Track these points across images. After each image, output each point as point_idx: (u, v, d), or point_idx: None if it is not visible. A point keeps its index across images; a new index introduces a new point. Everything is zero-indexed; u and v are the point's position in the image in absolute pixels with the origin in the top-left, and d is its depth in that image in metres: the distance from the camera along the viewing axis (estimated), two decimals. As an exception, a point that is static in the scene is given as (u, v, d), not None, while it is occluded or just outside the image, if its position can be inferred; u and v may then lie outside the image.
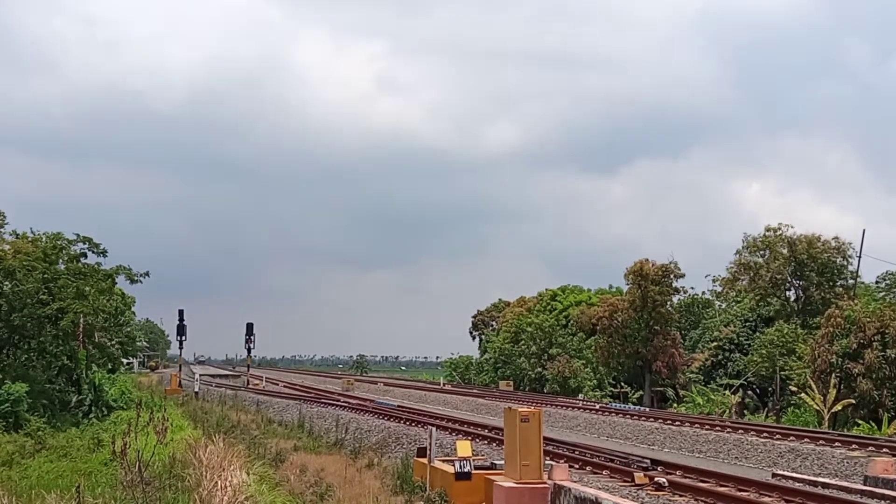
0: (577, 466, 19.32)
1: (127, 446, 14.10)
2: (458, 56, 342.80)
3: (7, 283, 36.22)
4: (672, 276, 60.02)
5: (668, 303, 60.98)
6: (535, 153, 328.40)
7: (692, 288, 70.98)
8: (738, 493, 15.97)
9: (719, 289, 65.60)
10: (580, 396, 57.03)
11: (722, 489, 16.35)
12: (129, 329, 65.72)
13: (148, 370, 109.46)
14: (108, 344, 45.95)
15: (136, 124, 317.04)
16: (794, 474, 19.55)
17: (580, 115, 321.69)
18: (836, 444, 24.90)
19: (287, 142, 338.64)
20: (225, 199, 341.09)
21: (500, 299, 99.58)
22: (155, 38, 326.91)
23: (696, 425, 31.92)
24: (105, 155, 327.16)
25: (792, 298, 56.97)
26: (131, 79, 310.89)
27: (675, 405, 55.86)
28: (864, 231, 51.87)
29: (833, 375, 38.34)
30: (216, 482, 14.30)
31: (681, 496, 15.78)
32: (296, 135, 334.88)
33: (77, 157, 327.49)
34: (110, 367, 47.41)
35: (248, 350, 71.46)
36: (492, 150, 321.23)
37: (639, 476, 17.18)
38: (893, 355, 37.24)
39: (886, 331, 37.86)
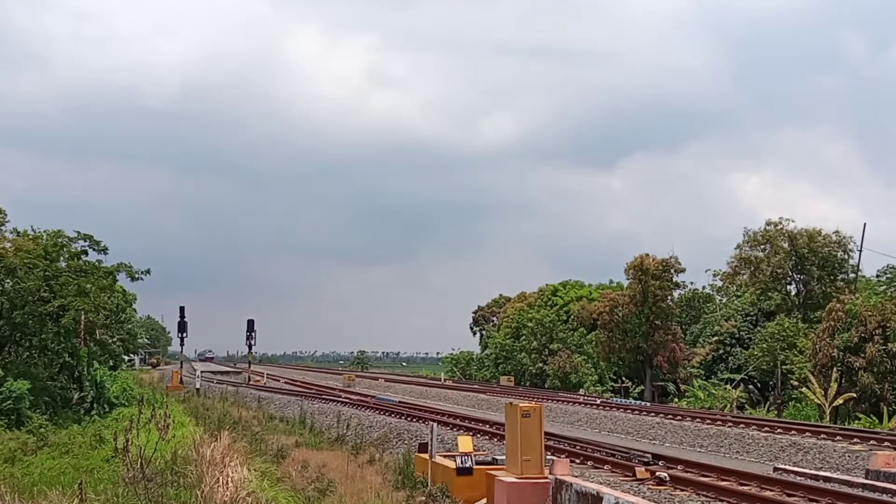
0: (578, 461, 19.33)
1: (129, 443, 14.15)
2: (452, 50, 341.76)
3: (8, 280, 36.27)
4: (672, 270, 60.10)
5: (669, 297, 61.07)
6: (533, 147, 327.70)
7: (692, 283, 71.21)
8: (740, 488, 15.97)
9: (720, 283, 65.69)
10: (581, 391, 57.07)
11: (723, 483, 16.35)
12: (130, 326, 65.77)
13: (149, 367, 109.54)
14: (110, 341, 45.96)
15: (130, 121, 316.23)
16: (796, 468, 19.56)
17: (578, 108, 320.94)
18: (838, 438, 24.92)
19: (283, 137, 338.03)
20: (223, 196, 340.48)
21: (500, 295, 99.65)
22: (145, 33, 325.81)
23: (698, 420, 31.96)
24: (102, 152, 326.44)
25: (793, 292, 56.97)
26: (123, 75, 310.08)
27: (676, 400, 55.92)
28: (864, 225, 51.96)
29: (834, 369, 38.37)
30: (218, 478, 14.33)
31: (682, 490, 15.78)
32: (291, 130, 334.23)
33: (74, 154, 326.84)
34: (112, 364, 47.48)
35: (250, 347, 71.68)
36: (489, 144, 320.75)
37: (640, 471, 17.18)
38: (894, 349, 37.26)
39: (888, 324, 37.88)
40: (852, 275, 53.94)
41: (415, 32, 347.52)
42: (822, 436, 25.46)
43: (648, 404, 45.15)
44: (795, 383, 42.88)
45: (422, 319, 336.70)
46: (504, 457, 17.11)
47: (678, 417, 33.13)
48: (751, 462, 22.93)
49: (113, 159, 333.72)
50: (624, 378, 62.65)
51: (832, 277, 54.40)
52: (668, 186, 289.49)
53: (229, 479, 14.33)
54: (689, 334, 66.99)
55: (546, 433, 16.93)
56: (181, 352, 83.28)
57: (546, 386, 64.35)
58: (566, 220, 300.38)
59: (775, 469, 19.71)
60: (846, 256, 54.43)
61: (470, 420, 30.46)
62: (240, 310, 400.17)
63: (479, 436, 24.62)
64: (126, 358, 67.78)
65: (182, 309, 65.42)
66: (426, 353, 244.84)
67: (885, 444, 23.29)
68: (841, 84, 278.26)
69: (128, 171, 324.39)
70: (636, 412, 36.64)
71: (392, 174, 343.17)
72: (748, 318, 57.91)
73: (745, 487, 16.08)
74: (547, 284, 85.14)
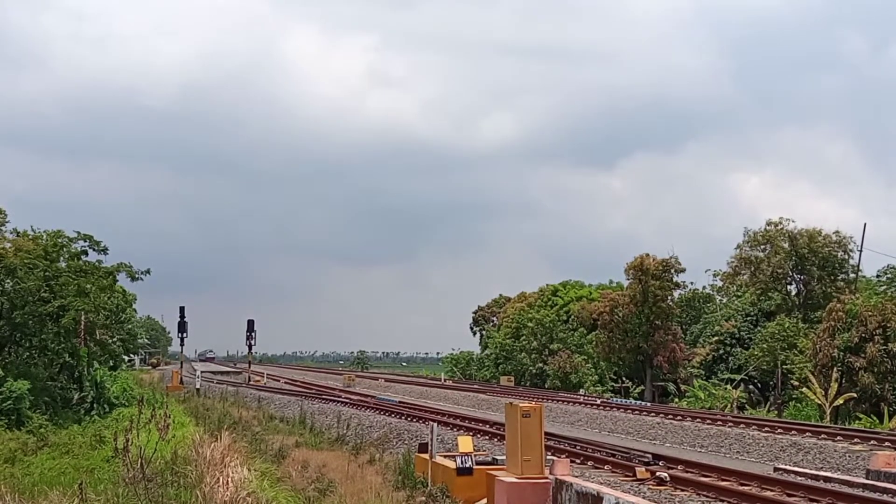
0: (578, 461, 19.32)
1: (129, 443, 14.14)
2: (452, 50, 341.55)
3: (8, 280, 36.28)
4: (672, 270, 60.10)
5: (669, 297, 61.05)
6: (533, 147, 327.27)
7: (692, 283, 71.23)
8: (740, 488, 15.97)
9: (720, 283, 65.70)
10: (581, 391, 57.07)
11: (724, 483, 16.34)
12: (130, 326, 65.79)
13: (149, 367, 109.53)
14: (110, 341, 45.96)
15: (130, 121, 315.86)
16: (796, 468, 19.55)
17: (577, 108, 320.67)
18: (838, 438, 24.92)
19: (282, 137, 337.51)
20: (223, 196, 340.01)
21: (500, 295, 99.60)
22: (145, 33, 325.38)
23: (698, 420, 31.95)
24: (101, 152, 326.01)
25: (793, 292, 56.97)
26: (122, 75, 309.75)
27: (676, 400, 55.91)
28: (864, 225, 51.96)
29: (834, 369, 38.38)
30: (218, 478, 14.33)
31: (682, 491, 15.78)
32: (291, 130, 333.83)
33: (73, 154, 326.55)
34: (112, 364, 47.45)
35: (250, 347, 71.75)
36: (489, 144, 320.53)
37: (640, 471, 17.18)
38: (895, 349, 37.25)
39: (888, 324, 37.88)
40: (852, 275, 53.94)
41: (414, 32, 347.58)
42: (822, 436, 25.45)
43: (648, 404, 45.14)
44: (796, 383, 42.87)
45: (422, 319, 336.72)
46: (504, 457, 17.10)
47: (678, 417, 33.12)
48: (751, 462, 22.92)
49: (113, 159, 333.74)
50: (624, 378, 62.63)
51: (832, 277, 54.40)
52: (668, 186, 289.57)
53: (229, 480, 14.33)
54: (689, 334, 66.98)
55: (546, 433, 16.92)
56: (181, 352, 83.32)
57: (546, 386, 64.33)
58: (566, 220, 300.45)
59: (776, 469, 19.71)
60: (846, 256, 54.44)
61: (470, 420, 30.45)
62: (240, 310, 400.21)
63: (479, 436, 24.61)
64: (126, 358, 67.78)
65: (182, 309, 65.49)
66: (426, 354, 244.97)
67: (886, 444, 23.29)
68: (841, 84, 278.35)
69: (128, 171, 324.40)
70: (636, 412, 36.63)
71: (392, 174, 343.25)
72: (748, 319, 57.92)
73: (746, 487, 16.07)
74: (547, 284, 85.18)
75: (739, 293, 62.55)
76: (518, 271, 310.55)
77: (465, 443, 19.00)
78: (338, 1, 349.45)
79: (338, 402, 41.10)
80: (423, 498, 16.91)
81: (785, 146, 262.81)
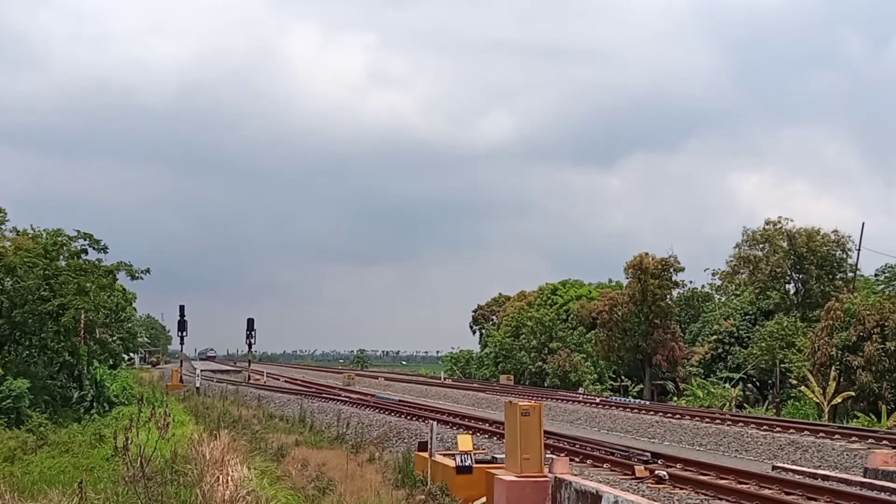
0: (577, 460, 19.36)
1: (129, 442, 14.17)
2: (452, 49, 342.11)
3: (8, 279, 36.29)
4: (672, 269, 60.17)
5: (668, 296, 61.13)
6: (533, 146, 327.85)
7: (691, 282, 71.26)
8: (739, 486, 16.01)
9: (719, 282, 65.78)
10: (580, 390, 57.13)
11: (722, 482, 16.39)
12: (130, 325, 65.68)
13: (149, 366, 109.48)
14: (110, 340, 45.95)
15: (129, 120, 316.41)
16: (795, 467, 19.59)
17: (577, 108, 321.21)
18: (836, 436, 24.97)
19: (282, 136, 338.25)
20: (222, 195, 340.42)
21: (500, 293, 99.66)
22: (143, 32, 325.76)
23: (697, 418, 32.00)
24: (100, 151, 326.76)
25: (791, 291, 57.07)
26: (121, 74, 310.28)
27: (675, 398, 55.96)
28: (863, 224, 51.94)
29: (833, 368, 38.44)
30: (218, 477, 14.36)
31: (681, 489, 15.82)
32: (290, 129, 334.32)
33: (72, 153, 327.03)
34: (112, 362, 47.46)
35: (249, 345, 71.75)
36: (489, 143, 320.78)
37: (639, 469, 17.22)
38: (893, 348, 37.32)
39: (886, 323, 37.93)
40: (851, 274, 54.01)
41: (414, 31, 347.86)
42: (820, 434, 25.50)
43: (647, 403, 45.20)
44: (794, 382, 42.93)
45: (421, 318, 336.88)
46: (504, 455, 17.14)
47: (677, 416, 33.16)
48: (749, 460, 22.97)
49: (112, 158, 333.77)
50: (623, 377, 62.70)
51: (831, 276, 54.48)
52: (668, 185, 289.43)
53: (229, 478, 14.37)
54: (688, 333, 67.05)
55: (545, 432, 16.96)
56: (181, 350, 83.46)
57: (545, 384, 64.39)
58: (566, 220, 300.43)
59: (774, 467, 19.74)
60: (845, 255, 54.53)
61: (469, 419, 30.47)
62: (240, 309, 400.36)
63: (478, 434, 24.63)
64: (126, 357, 67.74)
65: (182, 308, 65.58)
66: (426, 352, 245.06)
67: (884, 442, 23.34)
68: (840, 83, 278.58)
69: (127, 170, 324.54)
70: (635, 411, 36.67)
71: (392, 173, 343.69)
72: (747, 317, 57.98)
73: (744, 486, 16.11)
74: (546, 283, 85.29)
75: (738, 292, 62.62)
76: (518, 270, 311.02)
77: (465, 441, 19.03)
78: (337, 0, 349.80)
79: (338, 400, 41.10)
80: (423, 496, 16.95)
81: (784, 146, 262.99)
